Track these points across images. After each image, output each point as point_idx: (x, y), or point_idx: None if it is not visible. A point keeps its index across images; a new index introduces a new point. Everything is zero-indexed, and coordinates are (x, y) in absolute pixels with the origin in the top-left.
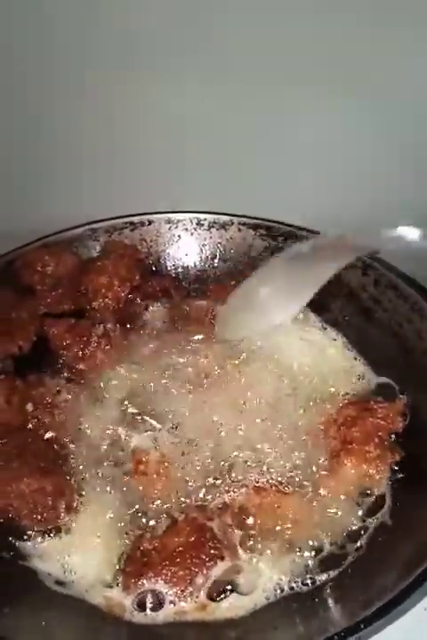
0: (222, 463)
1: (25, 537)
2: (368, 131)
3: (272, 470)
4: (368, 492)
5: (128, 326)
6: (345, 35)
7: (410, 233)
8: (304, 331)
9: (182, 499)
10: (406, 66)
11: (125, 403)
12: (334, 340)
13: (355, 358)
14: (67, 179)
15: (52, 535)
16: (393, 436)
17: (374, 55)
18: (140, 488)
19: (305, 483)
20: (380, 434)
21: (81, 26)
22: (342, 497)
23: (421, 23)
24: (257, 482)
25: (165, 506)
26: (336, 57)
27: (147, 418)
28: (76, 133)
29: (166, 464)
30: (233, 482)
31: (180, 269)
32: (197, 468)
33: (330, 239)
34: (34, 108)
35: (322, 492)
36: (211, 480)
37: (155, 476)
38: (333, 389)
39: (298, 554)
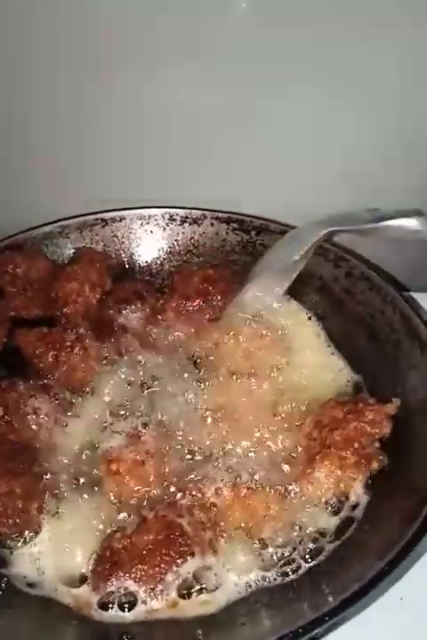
0: (195, 461)
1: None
2: (366, 128)
3: (246, 469)
4: (340, 492)
5: (102, 331)
6: (344, 31)
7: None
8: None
9: (153, 497)
10: (407, 62)
11: (99, 405)
12: (318, 336)
13: (332, 354)
14: (45, 176)
15: (23, 537)
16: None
17: (374, 51)
18: (114, 488)
19: (279, 482)
20: (361, 440)
21: (67, 22)
22: (315, 497)
23: (421, 19)
24: (230, 480)
25: (136, 504)
26: (334, 53)
27: (120, 419)
28: (58, 128)
29: (139, 463)
30: (205, 479)
31: (153, 265)
32: (170, 466)
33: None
34: (14, 104)
35: (295, 492)
36: (183, 478)
37: (127, 475)
38: (313, 389)
39: (268, 550)
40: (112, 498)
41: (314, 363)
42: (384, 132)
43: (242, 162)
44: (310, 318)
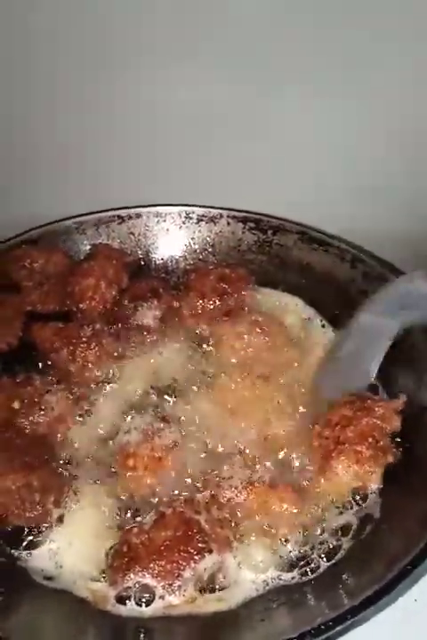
0: (212, 458)
1: (14, 534)
2: (365, 127)
3: (263, 467)
4: (358, 488)
5: (118, 327)
6: (344, 31)
7: None
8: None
9: (171, 493)
10: (406, 63)
11: (115, 400)
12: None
13: None
14: (58, 174)
15: (42, 530)
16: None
17: (373, 52)
18: (130, 484)
19: (296, 481)
20: (375, 434)
21: (67, 23)
22: (333, 494)
23: (419, 20)
24: (246, 478)
25: (154, 500)
26: (334, 53)
27: (135, 415)
28: (58, 130)
29: (156, 459)
30: (223, 477)
31: (169, 263)
32: (187, 463)
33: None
34: (15, 105)
35: (312, 490)
36: (200, 475)
37: (143, 471)
38: None
39: (286, 548)
40: (129, 493)
41: None
42: (384, 133)
43: (243, 162)
44: (323, 325)
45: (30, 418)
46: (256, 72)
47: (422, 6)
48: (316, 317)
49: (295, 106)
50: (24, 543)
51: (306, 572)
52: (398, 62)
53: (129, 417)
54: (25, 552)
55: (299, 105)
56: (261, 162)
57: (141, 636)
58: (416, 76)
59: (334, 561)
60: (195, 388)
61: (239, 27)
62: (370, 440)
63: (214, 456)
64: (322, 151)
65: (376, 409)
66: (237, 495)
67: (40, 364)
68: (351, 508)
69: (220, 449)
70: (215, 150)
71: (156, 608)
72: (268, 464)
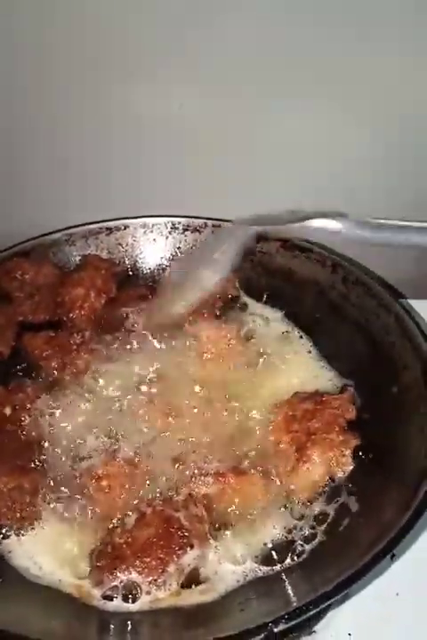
0: (183, 462)
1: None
2: (365, 129)
3: (236, 462)
4: (332, 477)
5: (108, 334)
6: (342, 36)
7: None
8: None
9: (149, 495)
10: (405, 68)
11: (102, 408)
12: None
13: (322, 367)
14: (46, 185)
15: (28, 532)
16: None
17: (372, 57)
18: (107, 503)
19: (272, 475)
20: (339, 421)
21: (67, 36)
22: (310, 484)
23: (419, 19)
24: (216, 471)
25: (133, 503)
26: (332, 59)
27: (121, 426)
28: (66, 137)
29: (126, 474)
30: (195, 475)
31: (156, 272)
32: (160, 467)
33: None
34: (15, 116)
35: (290, 483)
36: (174, 477)
37: (117, 488)
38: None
39: (264, 538)
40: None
41: (302, 378)
42: (384, 134)
43: (241, 174)
44: (301, 337)
45: (21, 422)
46: (256, 73)
47: (422, 6)
48: (294, 330)
49: (294, 118)
50: (11, 544)
51: (284, 560)
52: (398, 62)
53: (93, 435)
54: (11, 552)
55: (298, 117)
56: (261, 163)
57: (128, 628)
58: (416, 76)
59: (311, 548)
60: (171, 392)
61: (238, 27)
62: (337, 428)
63: (189, 456)
64: (320, 164)
65: (333, 402)
66: (212, 489)
67: (32, 372)
68: (327, 499)
69: (193, 455)
70: (215, 158)
71: (142, 603)
72: (244, 465)
